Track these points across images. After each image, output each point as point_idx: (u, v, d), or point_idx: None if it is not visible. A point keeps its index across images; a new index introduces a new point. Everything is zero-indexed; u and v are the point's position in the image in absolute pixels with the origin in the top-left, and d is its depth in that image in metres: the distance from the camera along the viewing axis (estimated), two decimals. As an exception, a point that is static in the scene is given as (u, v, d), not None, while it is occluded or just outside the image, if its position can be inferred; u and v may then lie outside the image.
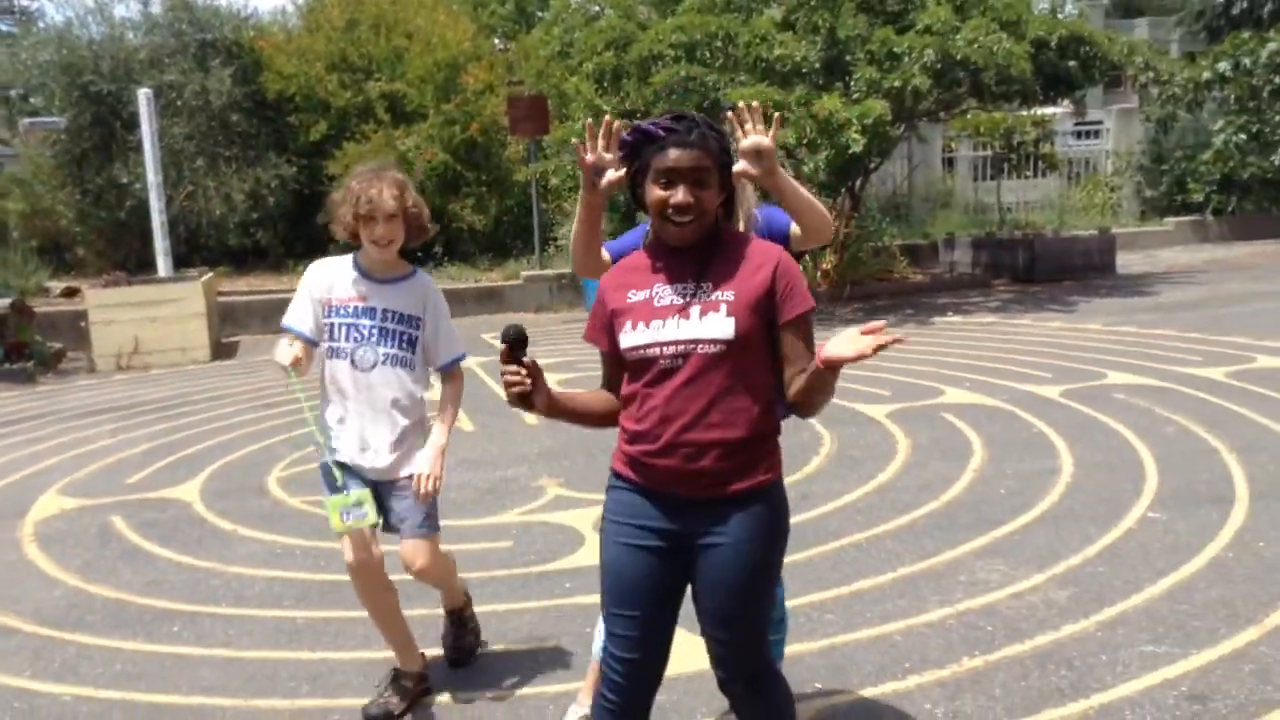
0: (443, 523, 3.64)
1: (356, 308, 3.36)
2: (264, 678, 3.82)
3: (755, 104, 2.66)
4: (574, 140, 2.85)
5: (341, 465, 3.37)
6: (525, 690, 3.62)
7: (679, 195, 2.33)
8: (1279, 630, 3.77)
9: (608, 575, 2.45)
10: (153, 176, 12.69)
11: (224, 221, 15.51)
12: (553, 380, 3.00)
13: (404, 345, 3.38)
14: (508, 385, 2.33)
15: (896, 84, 11.27)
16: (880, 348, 2.19)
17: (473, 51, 16.65)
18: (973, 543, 4.72)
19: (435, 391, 3.58)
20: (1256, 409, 6.81)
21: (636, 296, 2.40)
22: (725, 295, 2.33)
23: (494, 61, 16.64)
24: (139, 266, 14.72)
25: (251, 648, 4.06)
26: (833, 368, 2.25)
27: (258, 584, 4.70)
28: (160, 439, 7.52)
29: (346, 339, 3.36)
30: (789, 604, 4.16)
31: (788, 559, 4.56)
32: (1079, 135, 20.46)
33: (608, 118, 2.67)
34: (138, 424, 8.08)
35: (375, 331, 3.36)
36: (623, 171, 2.56)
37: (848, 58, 11.78)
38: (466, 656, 3.84)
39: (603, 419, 2.51)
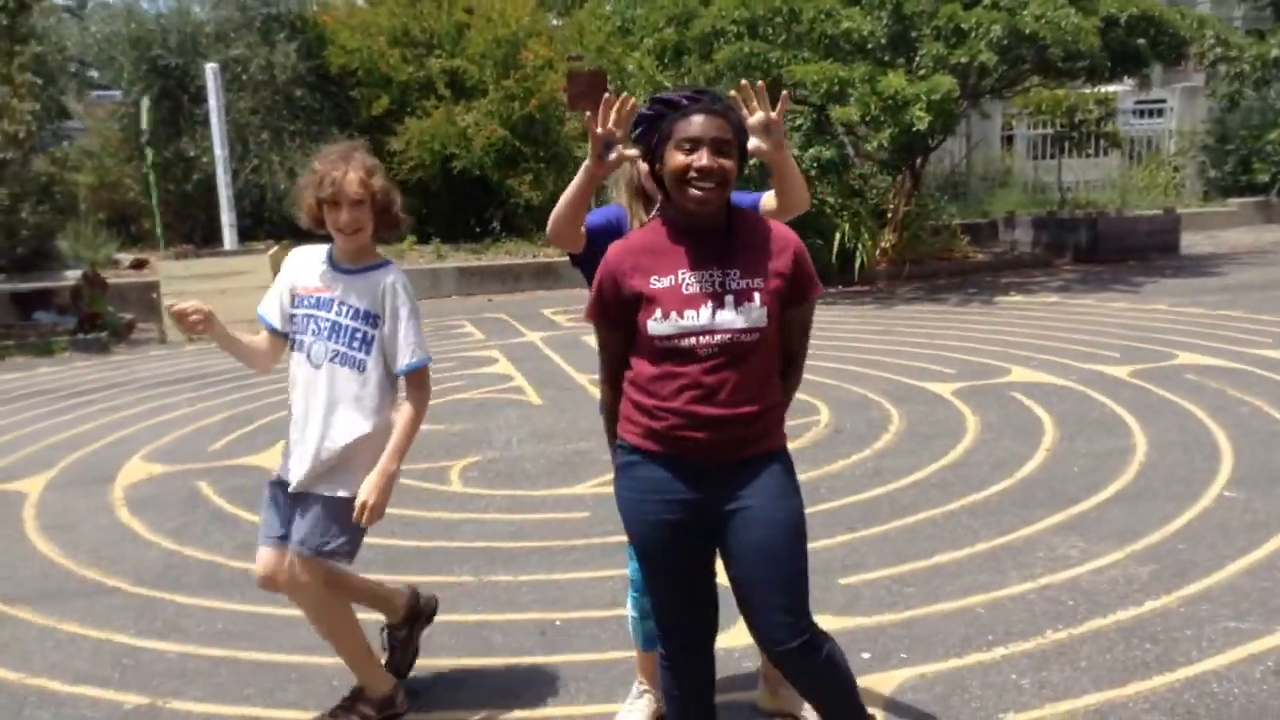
0: (518, 492, 3.70)
1: (318, 298, 3.09)
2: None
3: (760, 84, 2.62)
4: (587, 115, 2.82)
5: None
6: (615, 654, 3.71)
7: (703, 159, 2.34)
8: (1366, 611, 3.77)
9: (644, 556, 2.53)
10: (220, 150, 12.91)
11: (287, 195, 15.72)
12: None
13: (356, 344, 3.08)
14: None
15: (963, 60, 11.17)
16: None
17: (532, 27, 16.69)
18: (1050, 519, 4.74)
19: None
20: (1333, 391, 6.73)
21: (661, 282, 2.40)
22: (756, 284, 2.40)
23: (554, 37, 16.67)
24: (206, 239, 14.98)
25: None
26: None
27: (345, 548, 4.83)
28: (236, 408, 7.70)
29: (305, 330, 3.10)
30: (867, 576, 4.24)
31: (864, 531, 4.67)
32: (1140, 114, 20.13)
33: (625, 95, 2.67)
34: (213, 393, 8.27)
35: (328, 326, 3.07)
36: (634, 151, 2.60)
37: (913, 33, 11.68)
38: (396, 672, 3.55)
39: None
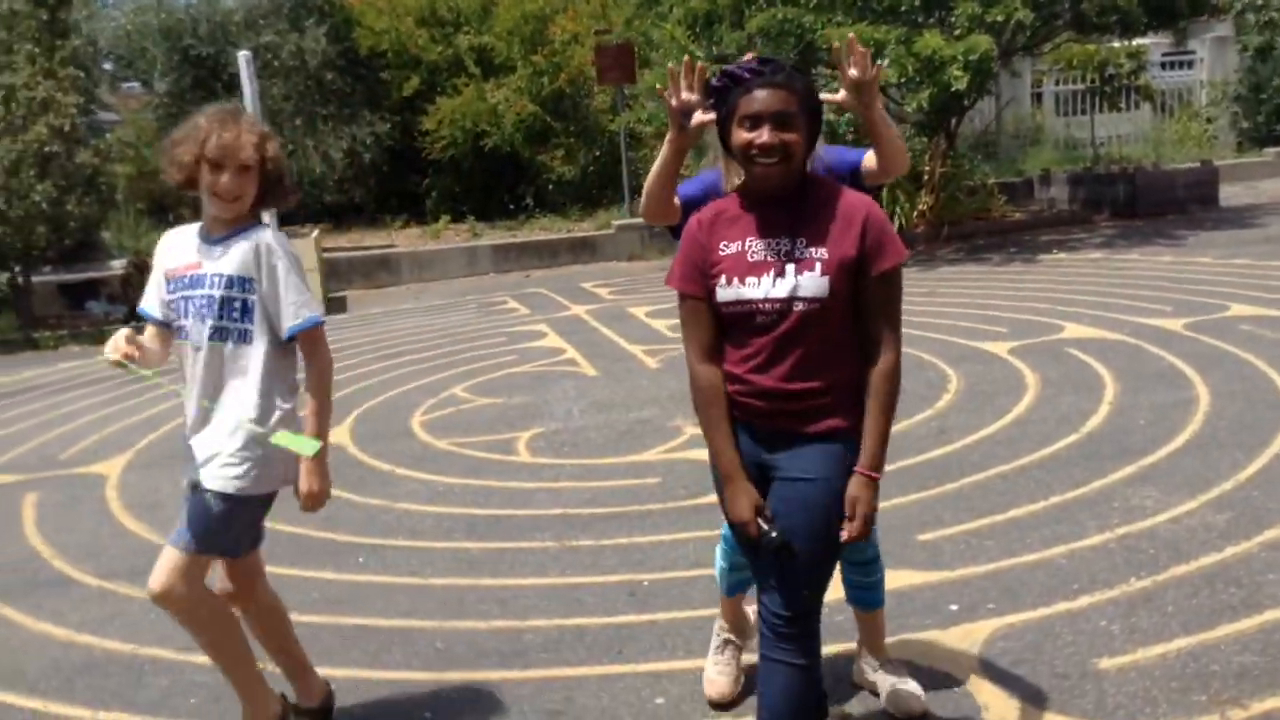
0: (586, 461, 3.76)
1: (190, 277, 2.84)
2: (454, 602, 4.06)
3: (852, 38, 2.67)
4: (657, 86, 2.83)
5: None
6: (705, 611, 3.80)
7: (764, 136, 2.32)
8: None
9: (722, 502, 2.56)
10: (263, 138, 13.00)
11: (323, 179, 15.85)
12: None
13: (235, 315, 2.81)
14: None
15: (999, 18, 11.11)
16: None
17: (559, 2, 16.69)
18: (1121, 471, 4.80)
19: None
20: (1391, 337, 6.73)
21: (729, 249, 2.40)
22: (820, 253, 2.34)
23: (580, 11, 16.66)
24: (243, 225, 15.12)
25: (436, 576, 4.31)
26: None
27: (427, 519, 4.96)
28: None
29: (183, 314, 2.85)
30: (945, 531, 4.31)
31: (937, 489, 4.74)
32: (1168, 66, 19.91)
33: (688, 59, 2.65)
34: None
35: (205, 302, 2.80)
36: (711, 115, 2.51)
37: (947, -7, 11.61)
38: None
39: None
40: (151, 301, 2.94)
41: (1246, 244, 10.98)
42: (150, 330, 2.94)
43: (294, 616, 3.99)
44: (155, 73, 15.97)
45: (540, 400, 6.98)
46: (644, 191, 2.85)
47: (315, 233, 12.61)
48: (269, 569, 4.49)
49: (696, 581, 4.03)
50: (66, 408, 7.86)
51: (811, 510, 2.39)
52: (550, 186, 16.19)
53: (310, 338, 2.90)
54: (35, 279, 11.32)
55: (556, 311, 10.43)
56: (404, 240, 15.17)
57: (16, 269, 10.90)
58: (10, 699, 3.56)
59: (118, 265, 12.12)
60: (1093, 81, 16.11)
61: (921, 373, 6.78)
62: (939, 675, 3.25)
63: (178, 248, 2.90)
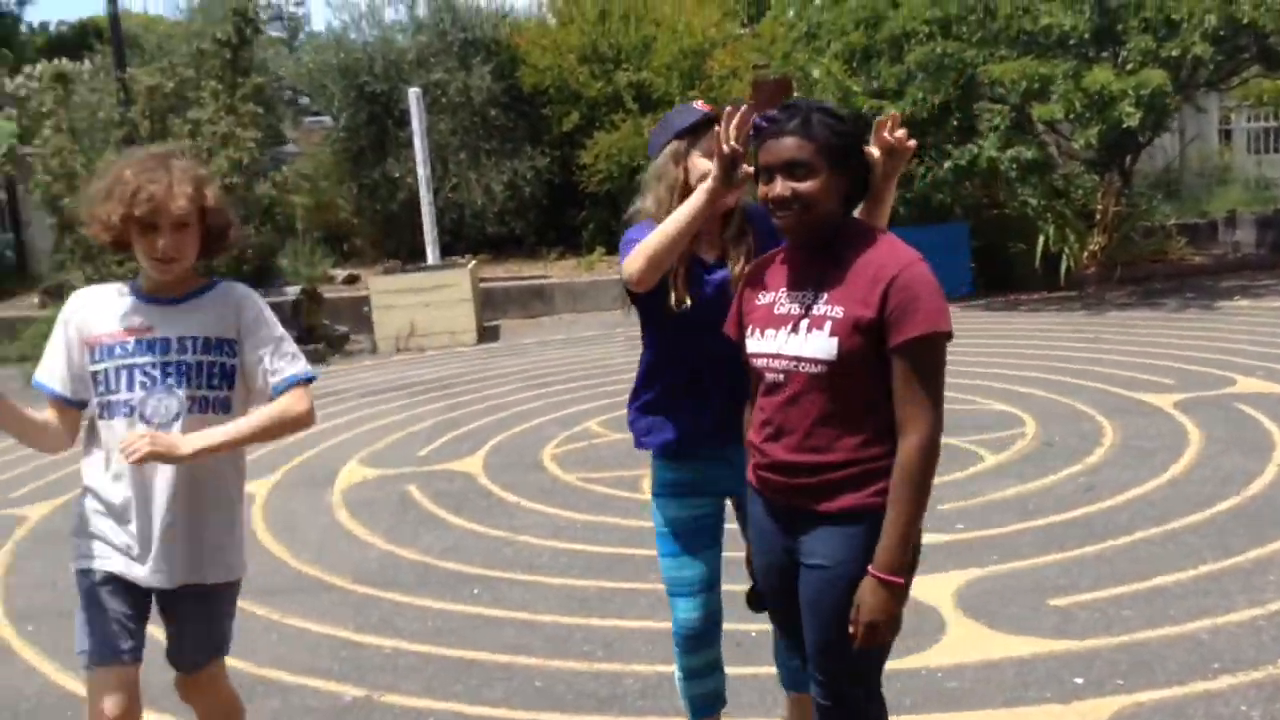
0: None
1: (133, 343, 2.44)
2: (560, 640, 4.04)
3: (895, 115, 2.47)
4: (715, 129, 2.56)
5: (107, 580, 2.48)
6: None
7: (775, 188, 2.17)
8: None
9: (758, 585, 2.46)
10: (422, 170, 13.52)
11: (484, 211, 16.30)
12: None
13: (216, 382, 2.47)
14: None
15: (1174, 53, 10.56)
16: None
17: (717, 37, 16.78)
18: (1283, 541, 4.42)
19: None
20: None
21: (763, 299, 2.29)
22: (833, 311, 2.14)
23: (739, 46, 16.70)
24: (411, 254, 15.69)
25: (546, 612, 4.30)
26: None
27: (545, 554, 4.97)
28: (442, 415, 8.02)
29: (119, 387, 2.43)
30: (1080, 597, 4.05)
31: (1077, 550, 4.46)
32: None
33: (736, 105, 2.36)
34: (421, 401, 8.65)
35: (171, 370, 2.43)
36: (751, 168, 2.30)
37: (1119, 26, 11.12)
38: None
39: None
40: (55, 373, 2.47)
41: None
42: (49, 409, 2.49)
43: (404, 645, 4.08)
44: (334, 108, 16.76)
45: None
46: (650, 250, 2.43)
47: (473, 263, 12.97)
48: (390, 595, 4.60)
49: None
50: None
51: (822, 601, 2.21)
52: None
53: (303, 391, 2.53)
54: (214, 303, 12.02)
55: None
56: (559, 272, 15.43)
57: (200, 293, 11.59)
58: (133, 709, 3.71)
59: (291, 291, 12.73)
60: (1286, 117, 15.13)
61: (1075, 424, 6.43)
62: (1053, 755, 3.03)
63: (100, 311, 2.47)
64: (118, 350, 2.44)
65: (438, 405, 8.41)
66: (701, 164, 2.59)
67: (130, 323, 2.46)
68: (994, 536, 4.71)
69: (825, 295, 2.17)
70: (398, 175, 16.20)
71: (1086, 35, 11.11)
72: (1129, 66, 10.80)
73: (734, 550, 2.79)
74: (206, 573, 2.53)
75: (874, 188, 2.38)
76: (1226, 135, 18.58)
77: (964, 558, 4.45)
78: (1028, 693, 3.37)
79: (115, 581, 2.49)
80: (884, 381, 2.14)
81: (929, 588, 4.09)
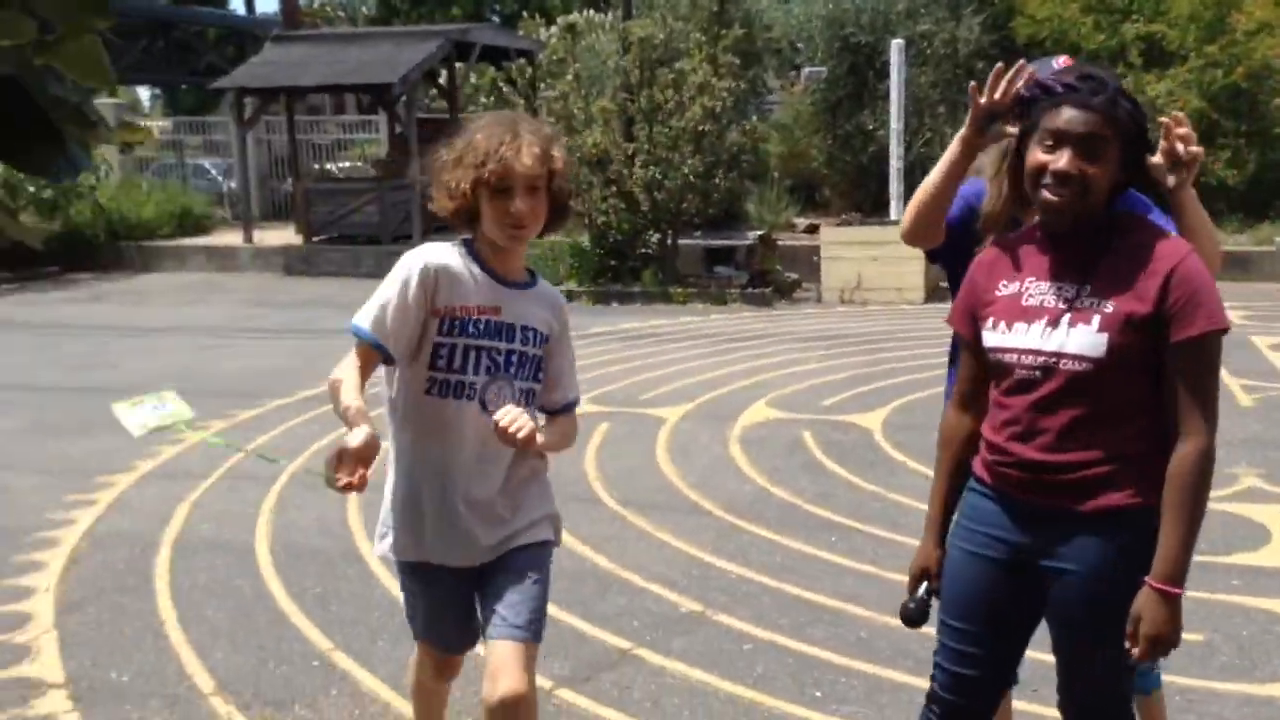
0: None
1: (489, 324, 2.32)
2: (895, 598, 4.02)
3: (1180, 115, 2.14)
4: (971, 84, 2.34)
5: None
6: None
7: (1061, 161, 1.99)
8: None
9: (947, 579, 2.25)
10: (895, 123, 13.45)
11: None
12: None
13: (540, 377, 2.41)
14: None
15: None
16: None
17: (1250, -14, 14.86)
18: None
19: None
20: None
21: (1006, 289, 2.11)
22: (1104, 305, 1.98)
23: (1277, -3, 14.69)
24: (875, 208, 15.73)
25: (893, 570, 4.33)
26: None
27: (912, 514, 4.96)
28: (860, 369, 8.12)
29: (473, 369, 2.31)
30: None
31: None
32: None
33: (1021, 62, 2.25)
34: (844, 353, 8.80)
35: (514, 360, 2.34)
36: (1014, 129, 2.18)
37: None
38: None
39: None
40: (382, 325, 2.27)
41: None
42: (357, 350, 2.29)
43: (749, 574, 4.34)
44: (815, 59, 17.08)
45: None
46: (914, 206, 2.43)
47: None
48: (752, 527, 4.87)
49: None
50: (668, 355, 8.95)
51: (1081, 610, 2.08)
52: (1211, 191, 14.59)
53: (572, 415, 2.52)
54: (682, 241, 12.89)
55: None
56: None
57: (667, 231, 12.49)
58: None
59: (753, 236, 13.35)
60: None
61: None
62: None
63: (462, 279, 2.32)
64: (471, 328, 2.30)
65: (860, 359, 8.51)
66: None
67: (484, 299, 2.32)
68: None
69: (1090, 287, 2.03)
70: (871, 128, 16.23)
71: None
72: None
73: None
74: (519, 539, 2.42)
75: (1179, 206, 2.24)
76: None
77: None
78: None
79: (432, 569, 2.42)
80: (1151, 380, 2.02)
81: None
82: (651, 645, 3.75)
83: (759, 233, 12.93)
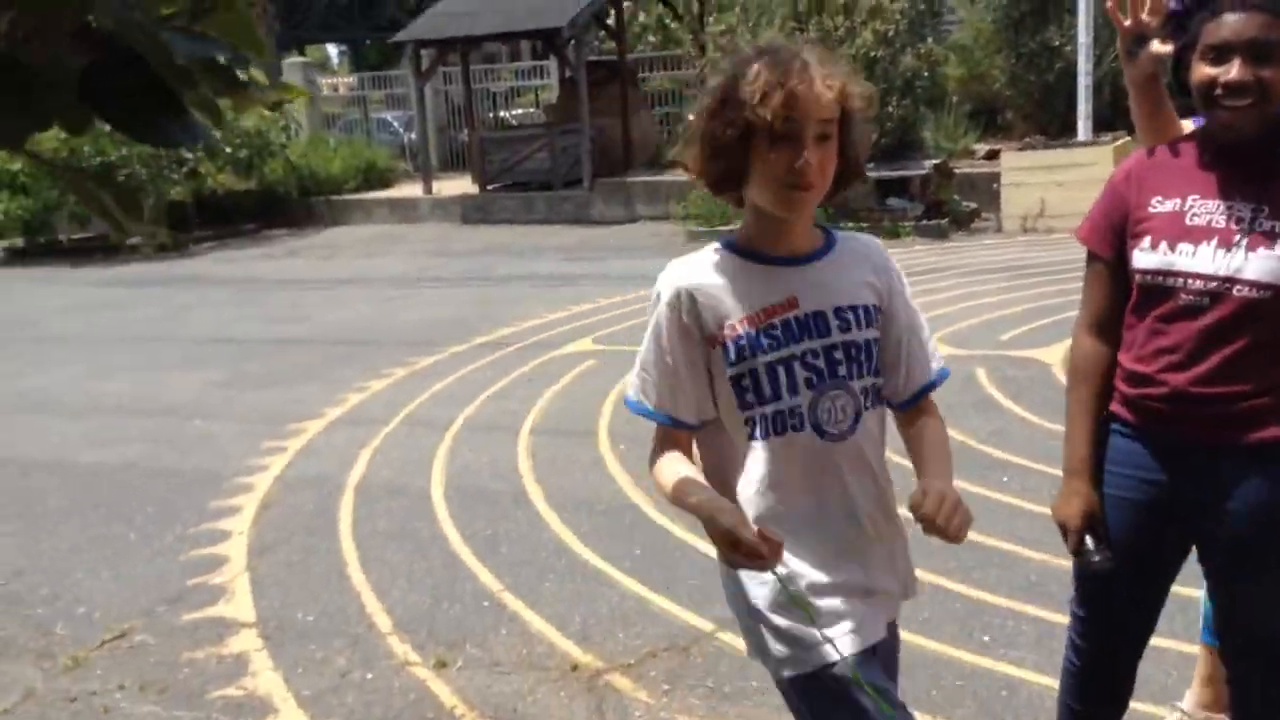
0: None
1: (787, 323, 1.73)
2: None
3: None
4: (1108, 3, 2.16)
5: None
6: None
7: (1232, 72, 1.83)
8: None
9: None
10: (1084, 37, 12.67)
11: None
12: None
13: (872, 364, 1.78)
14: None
15: None
16: None
17: None
18: None
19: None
20: None
21: (1163, 205, 1.95)
22: None
23: None
24: (1061, 130, 14.91)
25: (1069, 512, 4.16)
26: None
27: (1093, 453, 4.74)
28: (1042, 300, 7.77)
29: (788, 389, 1.73)
30: None
31: None
32: None
33: None
34: (1025, 284, 8.44)
35: (839, 356, 1.74)
36: (1168, 47, 2.02)
37: None
38: None
39: None
40: (663, 393, 1.77)
41: None
42: (663, 440, 1.81)
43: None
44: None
45: None
46: (1138, 136, 2.29)
47: (1121, 141, 12.01)
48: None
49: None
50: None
51: (1237, 548, 1.97)
52: None
53: (933, 404, 1.88)
54: (856, 174, 12.58)
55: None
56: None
57: (839, 165, 12.20)
58: (673, 528, 4.29)
59: (927, 165, 12.88)
60: None
61: None
62: None
63: (727, 287, 1.74)
64: (764, 340, 1.72)
65: (1040, 290, 8.14)
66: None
67: (765, 297, 1.74)
68: None
69: (1267, 208, 1.89)
70: (1058, 43, 15.31)
71: None
72: None
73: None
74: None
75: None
76: None
77: None
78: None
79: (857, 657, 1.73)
80: None
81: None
82: (814, 589, 3.72)
83: (935, 161, 12.47)
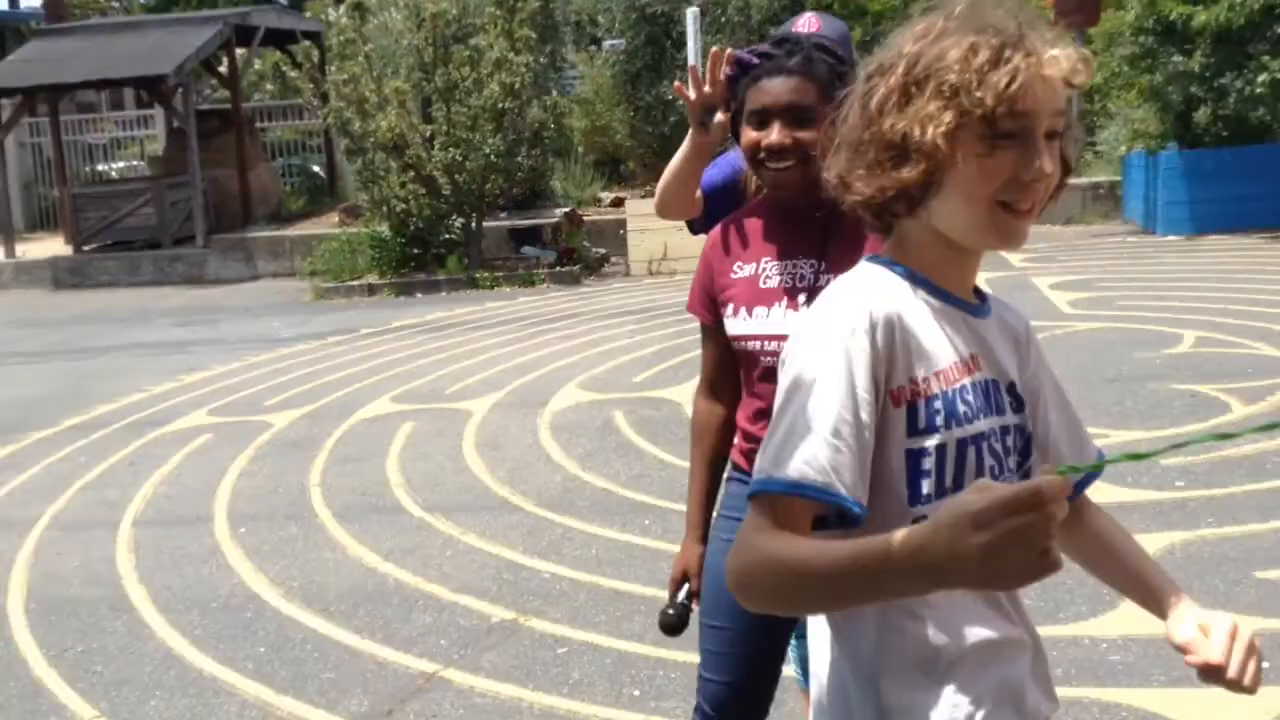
0: None
1: (977, 387, 1.27)
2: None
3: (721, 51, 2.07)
4: (676, 84, 2.33)
5: None
6: None
7: (772, 135, 1.89)
8: None
9: (707, 577, 2.07)
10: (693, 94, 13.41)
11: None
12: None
13: (1028, 458, 1.34)
14: None
15: None
16: None
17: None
18: None
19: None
20: None
21: (742, 271, 2.00)
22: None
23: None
24: (679, 178, 15.70)
25: (709, 550, 4.19)
26: None
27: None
28: (671, 340, 8.00)
29: (975, 477, 1.24)
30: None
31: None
32: None
33: (716, 49, 2.13)
34: (655, 325, 8.68)
35: (1013, 443, 1.31)
36: (725, 116, 2.06)
37: None
38: None
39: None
40: (847, 470, 1.18)
41: None
42: (786, 518, 1.26)
43: (563, 571, 4.10)
44: (614, 30, 16.91)
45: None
46: (660, 187, 2.40)
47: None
48: (565, 519, 4.61)
49: None
50: (476, 344, 8.62)
51: None
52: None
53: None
54: (488, 224, 12.54)
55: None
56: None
57: (471, 215, 12.11)
58: (301, 616, 3.91)
59: (558, 213, 13.11)
60: None
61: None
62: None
63: (925, 326, 1.25)
64: (960, 408, 1.24)
65: (669, 330, 8.40)
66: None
67: (961, 350, 1.27)
68: (1214, 497, 4.15)
69: (825, 264, 1.92)
70: (670, 98, 16.17)
71: None
72: None
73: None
74: None
75: None
76: None
77: (1174, 518, 3.96)
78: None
79: None
80: None
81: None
82: (460, 664, 3.48)
83: (565, 209, 12.70)
